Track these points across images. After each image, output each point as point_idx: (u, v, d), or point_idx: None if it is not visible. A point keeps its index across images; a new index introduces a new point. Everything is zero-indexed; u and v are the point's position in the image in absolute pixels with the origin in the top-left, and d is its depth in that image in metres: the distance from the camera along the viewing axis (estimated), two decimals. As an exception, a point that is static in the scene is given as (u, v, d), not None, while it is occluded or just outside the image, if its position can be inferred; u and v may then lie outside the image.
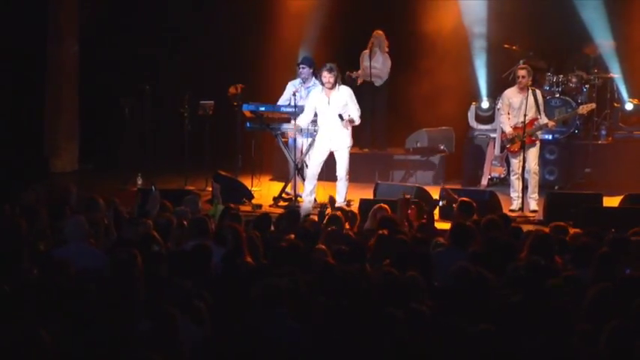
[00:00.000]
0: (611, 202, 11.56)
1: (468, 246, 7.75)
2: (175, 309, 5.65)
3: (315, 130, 12.05)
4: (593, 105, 12.74)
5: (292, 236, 8.11)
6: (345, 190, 11.90)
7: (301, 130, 12.09)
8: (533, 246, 7.40)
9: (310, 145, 12.14)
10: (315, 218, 9.62)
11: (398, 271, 6.62)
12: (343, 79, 12.48)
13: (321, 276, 6.61)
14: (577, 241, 7.92)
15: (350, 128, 11.84)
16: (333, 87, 11.71)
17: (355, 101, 11.94)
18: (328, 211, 9.98)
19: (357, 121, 11.93)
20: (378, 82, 14.55)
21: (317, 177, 11.96)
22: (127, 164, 13.89)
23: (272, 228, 9.02)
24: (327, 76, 11.67)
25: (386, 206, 9.33)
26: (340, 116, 11.71)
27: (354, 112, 11.81)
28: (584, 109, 12.50)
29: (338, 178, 11.92)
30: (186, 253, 7.20)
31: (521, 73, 11.96)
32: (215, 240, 7.73)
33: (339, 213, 9.12)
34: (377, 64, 14.46)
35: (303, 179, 12.10)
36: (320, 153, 11.92)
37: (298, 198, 12.18)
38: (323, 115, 11.85)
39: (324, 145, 11.89)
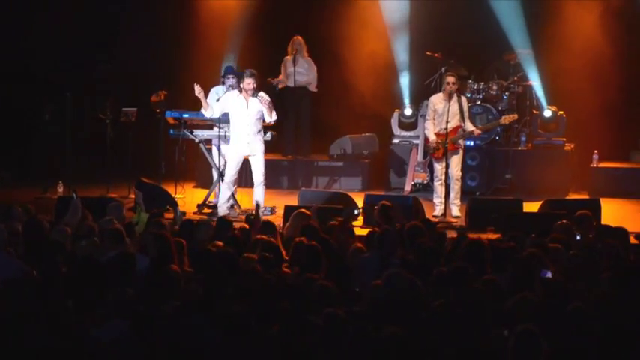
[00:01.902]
0: (531, 207, 11.75)
1: (392, 251, 7.80)
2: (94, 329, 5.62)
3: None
4: (515, 116, 12.88)
5: (220, 243, 8.05)
6: (263, 194, 11.80)
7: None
8: (465, 252, 7.46)
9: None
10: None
11: (314, 277, 6.65)
12: (263, 85, 12.42)
13: (247, 283, 6.60)
14: (498, 246, 8.03)
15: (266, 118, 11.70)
16: (253, 93, 11.67)
17: (272, 107, 11.78)
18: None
19: (269, 119, 11.72)
20: (311, 88, 14.55)
21: (235, 184, 11.88)
22: (47, 172, 13.67)
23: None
24: (250, 82, 11.62)
25: (307, 212, 9.35)
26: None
27: (270, 117, 11.70)
28: (506, 120, 12.59)
29: (255, 183, 11.82)
30: (109, 261, 7.12)
31: (450, 79, 11.95)
32: (140, 248, 7.66)
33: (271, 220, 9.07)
34: (301, 70, 14.49)
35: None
36: (236, 159, 11.81)
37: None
38: (239, 120, 11.73)
39: (240, 150, 11.77)
